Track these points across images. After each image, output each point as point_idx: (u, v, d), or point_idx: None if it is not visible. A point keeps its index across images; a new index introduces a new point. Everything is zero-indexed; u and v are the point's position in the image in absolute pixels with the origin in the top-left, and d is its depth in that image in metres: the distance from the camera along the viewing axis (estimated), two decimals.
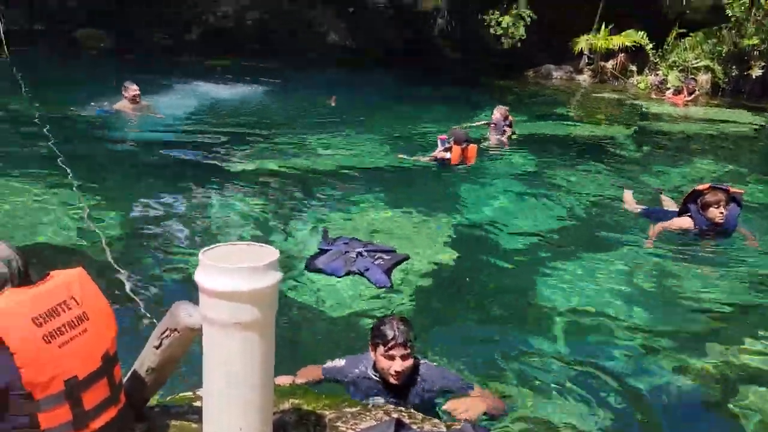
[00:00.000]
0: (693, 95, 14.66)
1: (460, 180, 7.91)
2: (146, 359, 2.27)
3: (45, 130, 8.43)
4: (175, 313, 2.20)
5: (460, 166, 8.25)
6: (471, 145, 8.35)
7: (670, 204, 6.73)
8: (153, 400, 2.57)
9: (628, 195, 7.00)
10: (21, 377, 1.84)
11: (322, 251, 5.16)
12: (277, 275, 2.02)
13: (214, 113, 11.07)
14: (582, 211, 6.94)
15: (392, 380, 2.92)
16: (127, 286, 3.94)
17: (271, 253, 2.05)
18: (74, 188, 6.35)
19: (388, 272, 4.84)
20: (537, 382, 3.72)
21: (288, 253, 5.28)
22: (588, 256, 5.63)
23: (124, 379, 2.27)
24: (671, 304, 4.84)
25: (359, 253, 5.01)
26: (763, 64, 14.87)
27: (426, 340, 3.93)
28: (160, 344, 2.23)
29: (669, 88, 15.23)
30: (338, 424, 2.55)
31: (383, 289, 4.69)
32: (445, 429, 2.60)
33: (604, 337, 4.34)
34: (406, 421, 2.59)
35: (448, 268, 5.29)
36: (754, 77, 14.66)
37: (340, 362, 3.17)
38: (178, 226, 5.76)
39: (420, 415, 2.73)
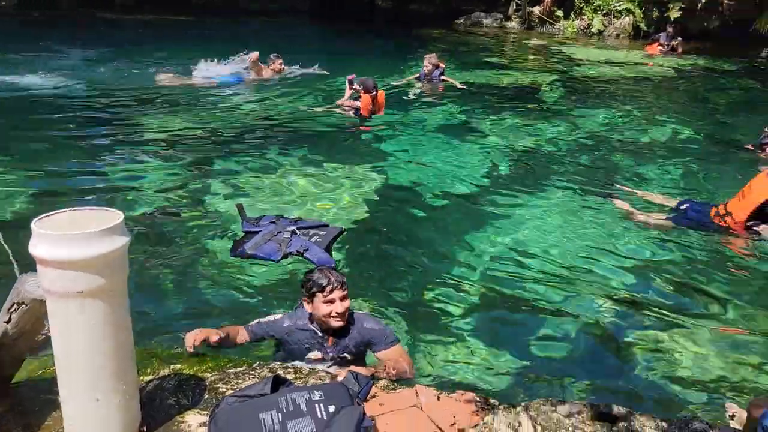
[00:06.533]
0: (671, 45, 14.08)
1: (382, 133, 7.81)
2: None
3: None
4: (21, 286, 2.08)
5: (373, 118, 8.14)
6: (380, 91, 8.22)
7: (657, 199, 5.81)
8: (22, 376, 2.47)
9: (622, 204, 5.71)
10: None
11: (248, 233, 4.64)
12: (121, 240, 1.93)
13: (124, 71, 10.54)
14: (508, 161, 6.94)
15: (335, 323, 2.99)
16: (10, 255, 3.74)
17: (114, 217, 1.94)
18: None
19: (328, 249, 4.47)
20: (462, 340, 3.72)
21: (204, 227, 4.99)
22: (512, 204, 5.71)
23: None
24: (589, 248, 4.90)
25: (293, 233, 4.55)
26: (681, 6, 15.18)
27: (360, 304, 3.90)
28: (9, 319, 2.11)
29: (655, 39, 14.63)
30: (219, 385, 2.52)
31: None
32: (329, 380, 2.60)
33: (516, 281, 4.40)
34: (290, 377, 2.59)
35: (376, 228, 5.18)
36: (672, 19, 14.95)
37: (276, 316, 3.18)
38: (70, 193, 5.47)
39: (306, 370, 2.73)
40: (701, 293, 4.30)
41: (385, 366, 2.97)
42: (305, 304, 3.06)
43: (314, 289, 2.97)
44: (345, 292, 2.98)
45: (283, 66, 10.50)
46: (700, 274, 4.52)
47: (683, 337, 3.71)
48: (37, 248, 1.83)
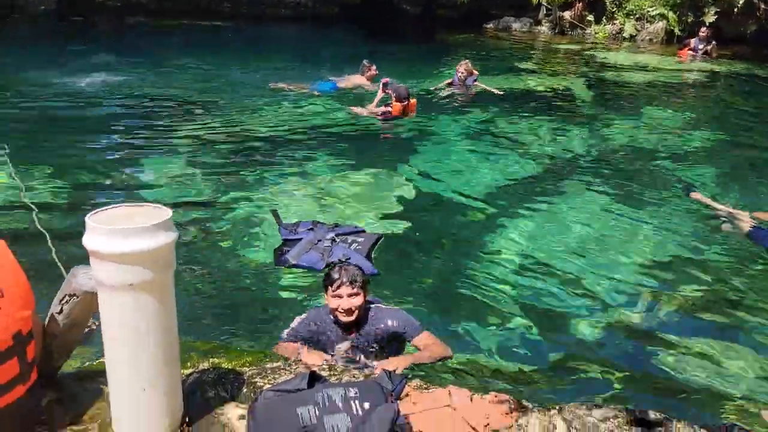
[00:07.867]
0: (705, 49, 13.54)
1: (415, 138, 7.85)
2: (49, 326, 2.24)
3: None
4: (73, 278, 2.16)
5: (406, 121, 8.18)
6: (412, 100, 8.27)
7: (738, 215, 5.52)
8: (70, 366, 2.57)
9: (704, 199, 5.84)
10: None
11: (288, 241, 4.67)
12: (170, 235, 1.99)
13: (161, 76, 10.75)
14: (543, 166, 6.93)
15: (342, 318, 3.11)
16: (54, 252, 3.88)
17: (163, 213, 2.01)
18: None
19: (368, 256, 4.49)
20: (490, 334, 3.79)
21: (240, 229, 5.06)
22: (540, 208, 5.72)
23: None
24: (613, 255, 4.90)
25: (332, 240, 4.59)
26: (716, 10, 14.91)
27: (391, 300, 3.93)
28: (61, 310, 2.20)
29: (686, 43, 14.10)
30: (257, 380, 2.57)
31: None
32: (362, 378, 2.64)
33: (550, 285, 4.43)
34: (325, 374, 2.64)
35: (411, 232, 5.22)
36: (707, 23, 14.67)
37: (302, 316, 3.32)
38: (112, 193, 5.63)
39: (340, 367, 2.77)
40: (746, 306, 4.22)
41: (422, 351, 3.08)
42: (325, 296, 3.20)
43: (325, 282, 3.14)
44: (355, 290, 3.07)
45: (376, 72, 10.15)
46: (750, 288, 4.42)
47: (722, 343, 3.67)
48: (91, 241, 1.91)
